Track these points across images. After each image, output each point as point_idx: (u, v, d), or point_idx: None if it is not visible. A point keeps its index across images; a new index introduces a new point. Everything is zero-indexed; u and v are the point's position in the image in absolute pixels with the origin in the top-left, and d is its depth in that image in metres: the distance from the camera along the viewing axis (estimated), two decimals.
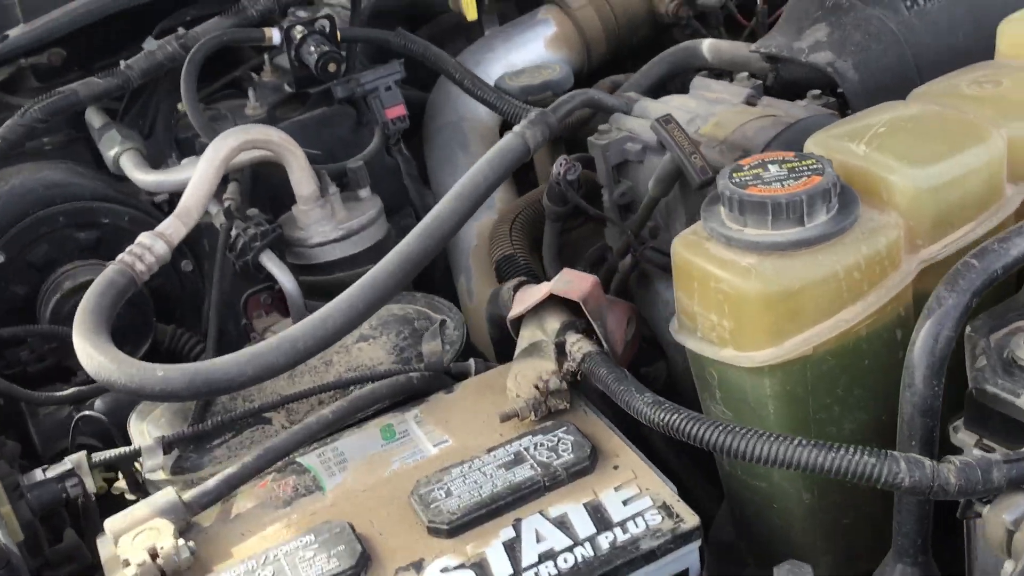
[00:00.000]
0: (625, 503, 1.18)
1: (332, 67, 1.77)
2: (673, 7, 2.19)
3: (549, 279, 1.40)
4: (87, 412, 1.48)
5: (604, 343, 1.28)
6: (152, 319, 1.82)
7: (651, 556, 1.13)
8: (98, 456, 1.36)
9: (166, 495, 1.22)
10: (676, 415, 1.09)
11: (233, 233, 1.67)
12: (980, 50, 1.69)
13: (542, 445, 1.25)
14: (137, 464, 1.40)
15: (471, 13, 1.97)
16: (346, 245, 1.74)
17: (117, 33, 1.94)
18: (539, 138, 1.58)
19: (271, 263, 1.67)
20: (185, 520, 1.21)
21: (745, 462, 1.03)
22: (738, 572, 1.38)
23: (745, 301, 1.14)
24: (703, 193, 1.55)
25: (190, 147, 1.92)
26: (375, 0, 2.03)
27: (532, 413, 1.29)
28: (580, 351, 1.27)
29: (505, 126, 2.12)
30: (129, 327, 1.76)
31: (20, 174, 1.83)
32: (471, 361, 1.44)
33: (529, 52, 2.11)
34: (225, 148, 1.61)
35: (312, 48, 1.78)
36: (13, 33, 1.95)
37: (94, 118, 1.88)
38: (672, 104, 1.72)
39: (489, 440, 1.29)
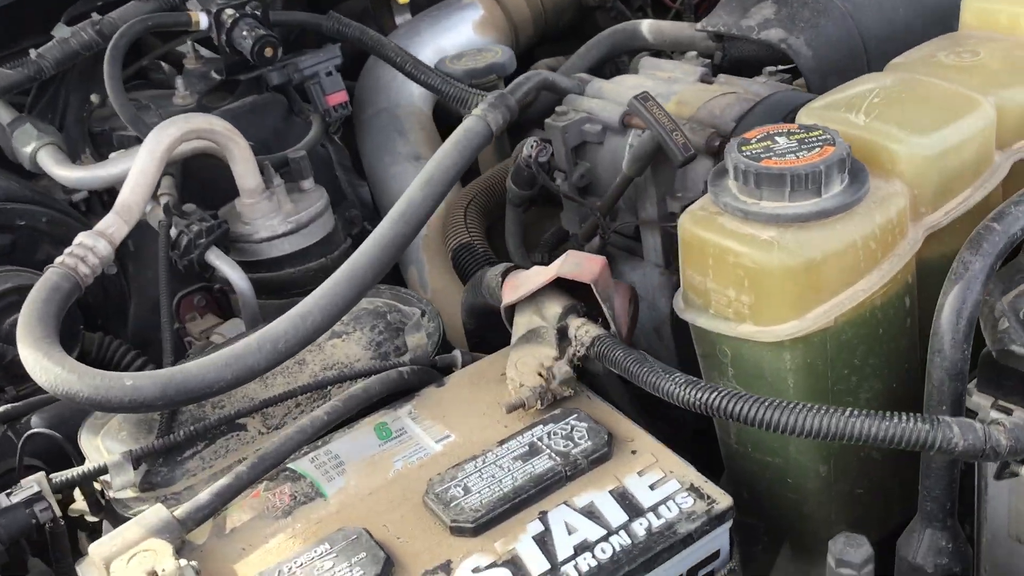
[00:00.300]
0: (652, 487, 1.14)
1: (269, 52, 1.67)
2: None
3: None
4: (38, 429, 1.34)
5: (612, 325, 1.24)
6: (79, 327, 1.68)
7: (688, 540, 1.10)
8: (59, 476, 1.24)
9: (157, 513, 1.11)
10: (715, 393, 1.06)
11: (175, 231, 1.56)
12: (919, 25, 1.74)
13: (556, 434, 1.20)
14: (97, 483, 1.28)
15: None
16: (295, 239, 1.65)
17: (21, 20, 1.78)
18: (500, 121, 1.53)
19: (219, 260, 1.56)
20: (180, 539, 1.11)
21: (794, 436, 1.01)
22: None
23: (767, 274, 1.12)
24: (672, 172, 1.54)
25: (107, 141, 1.79)
26: None
27: (539, 402, 1.24)
28: (588, 335, 1.23)
29: (439, 111, 2.06)
30: None
31: None
32: (457, 352, 1.38)
33: (458, 36, 2.05)
34: (167, 138, 1.50)
35: (245, 32, 1.67)
36: None
37: (1, 112, 1.72)
38: (627, 84, 1.69)
39: (494, 433, 1.24)
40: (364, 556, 1.07)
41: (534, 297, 1.29)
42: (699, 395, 1.07)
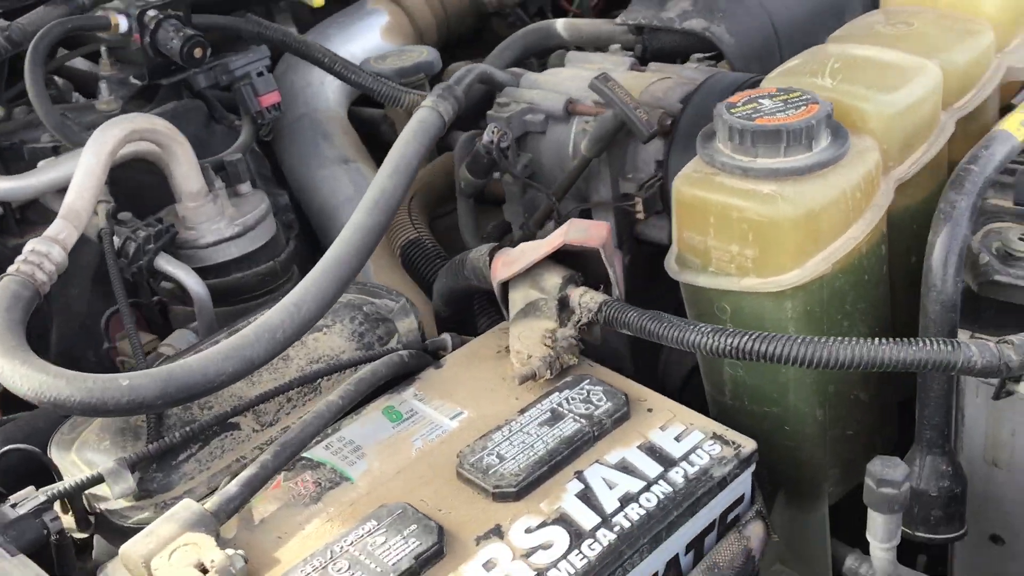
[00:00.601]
0: (678, 439, 1.17)
1: (198, 52, 1.62)
2: None
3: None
4: (16, 445, 1.25)
5: (616, 290, 1.27)
6: None
7: (723, 483, 1.13)
8: (50, 490, 1.15)
9: (187, 507, 1.06)
10: (745, 337, 1.10)
11: (118, 239, 1.48)
12: (818, 13, 1.88)
13: (574, 399, 1.21)
14: (85, 496, 1.21)
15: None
16: (242, 243, 1.59)
17: None
18: (450, 111, 1.55)
19: (171, 266, 1.50)
20: (215, 532, 1.06)
21: (826, 369, 1.07)
22: None
23: (773, 226, 1.18)
24: (624, 153, 1.59)
25: (16, 155, 1.68)
26: None
27: (548, 371, 1.25)
28: (594, 300, 1.25)
29: (351, 117, 2.05)
30: None
31: None
32: (446, 336, 1.37)
33: (366, 42, 2.05)
34: (111, 140, 1.43)
35: (172, 33, 1.62)
36: None
37: None
38: (562, 75, 1.74)
39: (506, 406, 1.24)
40: (415, 528, 1.05)
41: (530, 271, 1.31)
42: (730, 340, 1.11)
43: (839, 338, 1.07)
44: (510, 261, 1.32)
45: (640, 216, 1.54)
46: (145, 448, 1.21)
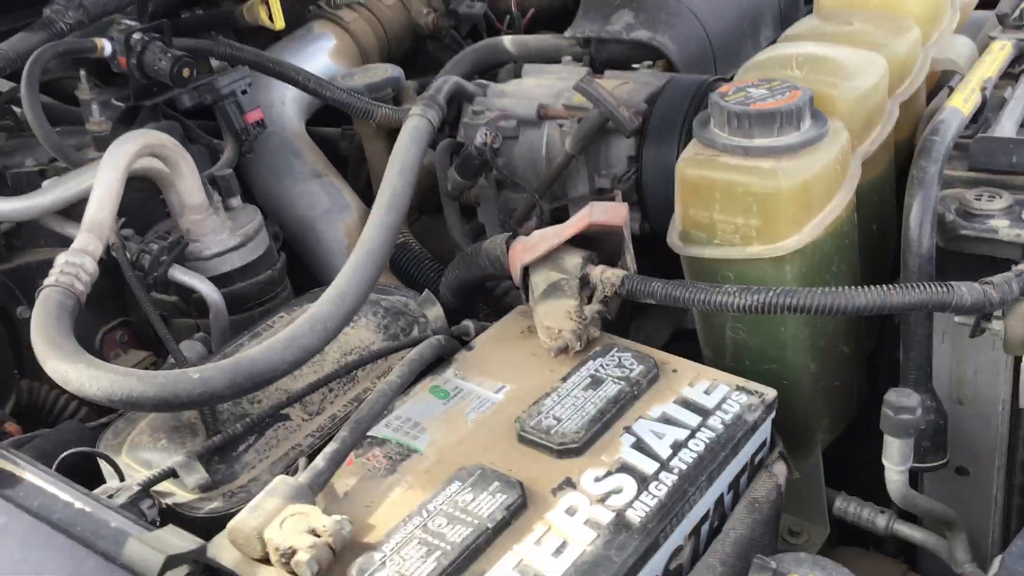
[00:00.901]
0: (707, 393, 1.30)
1: (187, 72, 1.67)
2: (432, 19, 2.32)
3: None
4: (80, 449, 1.27)
5: (632, 265, 1.40)
6: (13, 372, 1.58)
7: (755, 427, 1.27)
8: (126, 485, 1.19)
9: (284, 481, 1.12)
10: (770, 293, 1.24)
11: (132, 251, 1.52)
12: (740, 23, 2.07)
13: (608, 365, 1.33)
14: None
15: (279, 22, 1.95)
16: (243, 253, 1.65)
17: None
18: (436, 119, 1.66)
19: (186, 276, 1.55)
20: (311, 503, 1.12)
21: (844, 315, 1.22)
22: None
23: (774, 197, 1.33)
24: (598, 151, 1.72)
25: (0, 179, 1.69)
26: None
27: (578, 343, 1.36)
28: (616, 276, 1.37)
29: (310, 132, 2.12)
30: None
31: None
32: (468, 322, 1.47)
33: (317, 64, 2.12)
34: (127, 154, 1.47)
35: (159, 55, 1.66)
36: None
37: None
38: (526, 84, 1.87)
39: (543, 377, 1.34)
40: (498, 484, 1.14)
41: (549, 255, 1.42)
42: (758, 297, 1.25)
43: (854, 287, 1.22)
44: (530, 246, 1.42)
45: None
46: (211, 441, 1.27)
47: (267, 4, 1.95)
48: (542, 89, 1.83)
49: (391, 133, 1.99)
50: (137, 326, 1.76)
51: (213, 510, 1.24)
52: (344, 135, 2.13)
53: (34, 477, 0.98)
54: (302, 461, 1.23)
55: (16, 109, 1.94)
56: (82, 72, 1.72)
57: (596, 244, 1.43)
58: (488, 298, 1.74)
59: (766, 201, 1.33)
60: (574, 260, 1.41)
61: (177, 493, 1.26)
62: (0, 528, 0.86)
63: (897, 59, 1.57)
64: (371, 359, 1.41)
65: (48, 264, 1.63)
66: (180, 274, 1.54)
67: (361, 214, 1.93)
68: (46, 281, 1.33)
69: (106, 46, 1.67)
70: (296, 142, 1.99)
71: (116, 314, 1.74)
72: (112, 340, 1.72)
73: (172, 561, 0.85)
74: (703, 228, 1.39)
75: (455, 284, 1.58)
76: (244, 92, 1.79)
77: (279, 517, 1.08)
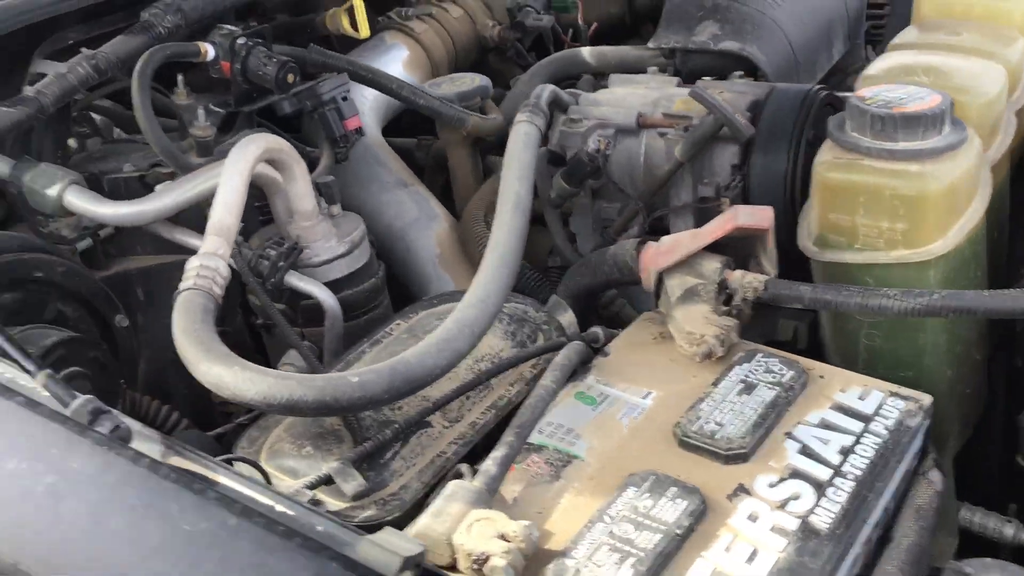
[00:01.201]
0: (862, 399, 1.28)
1: (291, 78, 1.64)
2: (497, 32, 2.30)
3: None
4: (240, 455, 1.23)
5: (772, 270, 1.38)
6: (119, 381, 1.53)
7: (917, 431, 1.25)
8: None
9: (460, 486, 1.09)
10: (935, 296, 1.23)
11: (249, 258, 1.49)
12: (818, 34, 2.08)
13: (756, 370, 1.31)
14: None
15: (364, 30, 1.93)
16: (351, 260, 1.62)
17: None
18: (543, 125, 1.65)
19: (303, 282, 1.52)
20: (490, 507, 1.09)
21: (1009, 318, 1.21)
22: None
23: (922, 201, 1.33)
24: (703, 159, 1.71)
25: (96, 186, 1.65)
26: None
27: (721, 348, 1.34)
28: (758, 280, 1.36)
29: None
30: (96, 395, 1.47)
31: None
32: (597, 328, 1.44)
33: (391, 74, 2.10)
34: (251, 156, 1.44)
35: (264, 60, 1.64)
36: None
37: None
38: (618, 93, 1.85)
39: (688, 384, 1.32)
40: (676, 490, 1.12)
41: (685, 260, 1.40)
42: (919, 300, 1.23)
43: (1012, 290, 1.21)
44: (665, 251, 1.41)
45: None
46: (362, 447, 1.23)
47: (350, 13, 1.93)
48: (636, 98, 1.82)
49: (476, 142, 1.99)
50: (233, 335, 1.72)
51: (368, 518, 1.20)
52: (420, 145, 2.11)
53: (229, 480, 0.94)
54: (464, 467, 1.20)
55: (96, 117, 1.91)
56: (180, 77, 1.69)
57: (726, 248, 1.41)
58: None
59: (913, 205, 1.32)
60: (712, 265, 1.39)
61: (329, 501, 1.22)
62: (231, 531, 0.82)
63: (1012, 66, 1.58)
64: (507, 366, 1.38)
65: (146, 272, 1.62)
66: (296, 280, 1.51)
67: (450, 224, 1.90)
68: (182, 285, 1.29)
69: (209, 51, 1.65)
70: (379, 151, 1.97)
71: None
72: None
73: (408, 563, 0.82)
74: (844, 232, 1.38)
75: (577, 290, 1.55)
76: (344, 99, 1.76)
77: (466, 521, 1.04)
